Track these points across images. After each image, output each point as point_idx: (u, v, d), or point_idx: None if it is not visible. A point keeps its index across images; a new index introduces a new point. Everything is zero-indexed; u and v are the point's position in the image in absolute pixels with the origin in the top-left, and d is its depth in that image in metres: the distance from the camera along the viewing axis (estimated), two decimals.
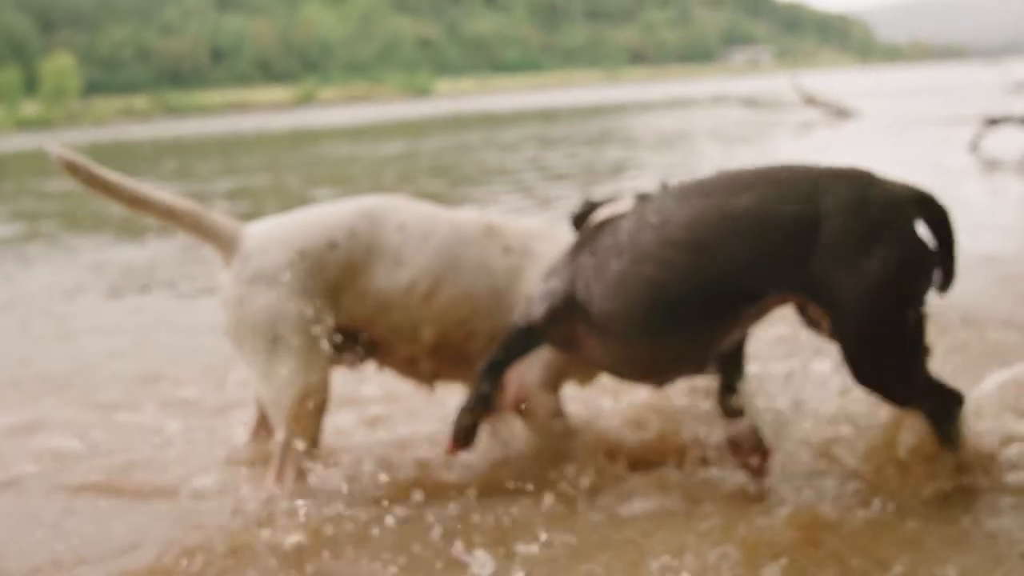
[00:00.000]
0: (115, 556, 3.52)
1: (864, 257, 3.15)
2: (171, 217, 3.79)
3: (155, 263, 10.37)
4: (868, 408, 3.89)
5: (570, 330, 3.57)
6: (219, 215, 3.91)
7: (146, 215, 3.84)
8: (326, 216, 3.92)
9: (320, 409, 3.83)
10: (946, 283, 3.31)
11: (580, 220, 3.91)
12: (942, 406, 3.35)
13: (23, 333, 7.52)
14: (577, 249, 3.62)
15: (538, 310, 3.60)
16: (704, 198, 3.33)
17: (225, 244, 3.85)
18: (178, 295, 8.72)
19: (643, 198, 3.69)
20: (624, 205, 3.76)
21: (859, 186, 3.27)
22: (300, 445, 3.79)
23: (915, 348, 3.28)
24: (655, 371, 3.62)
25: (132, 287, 9.21)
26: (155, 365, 6.10)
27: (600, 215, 3.79)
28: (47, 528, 3.79)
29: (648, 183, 4.08)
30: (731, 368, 3.64)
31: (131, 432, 4.84)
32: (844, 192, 3.24)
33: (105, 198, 3.77)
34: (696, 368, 3.58)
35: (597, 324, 3.46)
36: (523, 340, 3.64)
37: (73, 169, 3.69)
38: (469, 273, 3.87)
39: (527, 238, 4.00)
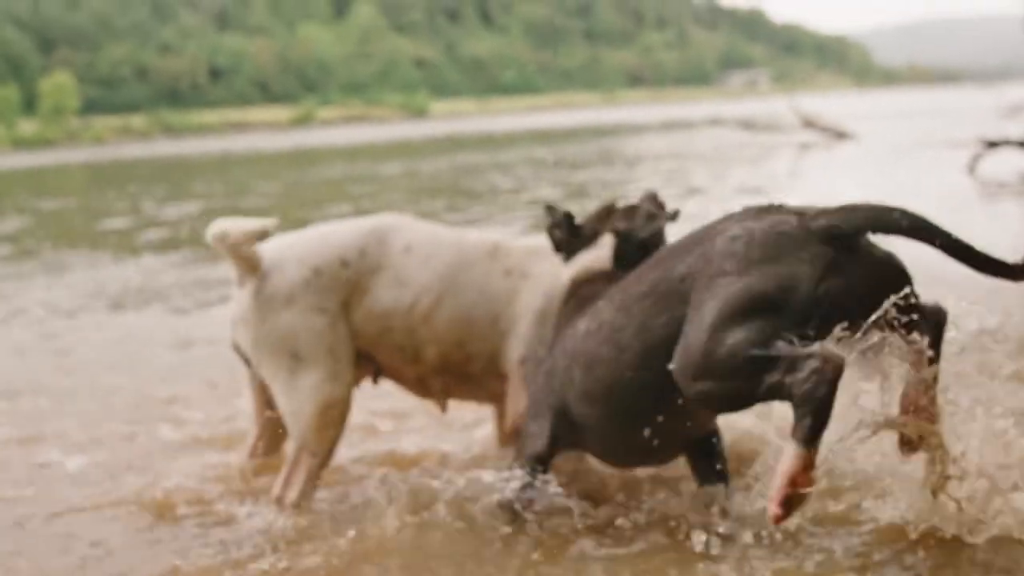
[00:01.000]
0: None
1: (702, 300, 2.97)
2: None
3: (152, 280, 10.39)
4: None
5: (567, 436, 3.62)
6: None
7: None
8: (338, 234, 3.97)
9: (340, 421, 3.89)
10: (994, 271, 2.96)
11: (563, 244, 3.88)
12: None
13: (24, 349, 7.52)
14: (549, 350, 3.66)
15: (539, 446, 3.62)
16: (623, 290, 3.34)
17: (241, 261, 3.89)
18: (176, 310, 8.73)
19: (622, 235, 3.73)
20: (604, 250, 3.75)
21: (724, 227, 3.06)
22: (313, 455, 3.84)
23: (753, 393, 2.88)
24: (642, 457, 3.67)
25: (132, 303, 9.23)
26: (155, 380, 6.11)
27: (581, 260, 3.78)
28: (47, 546, 3.80)
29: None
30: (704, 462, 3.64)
31: (130, 448, 4.85)
32: (717, 238, 3.04)
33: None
34: (681, 446, 3.59)
35: (578, 424, 3.53)
36: (535, 480, 3.62)
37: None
38: (469, 296, 3.90)
39: (527, 259, 4.00)
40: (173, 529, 3.85)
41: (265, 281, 3.85)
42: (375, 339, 3.91)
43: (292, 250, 3.92)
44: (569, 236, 3.87)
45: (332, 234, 3.98)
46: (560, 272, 3.83)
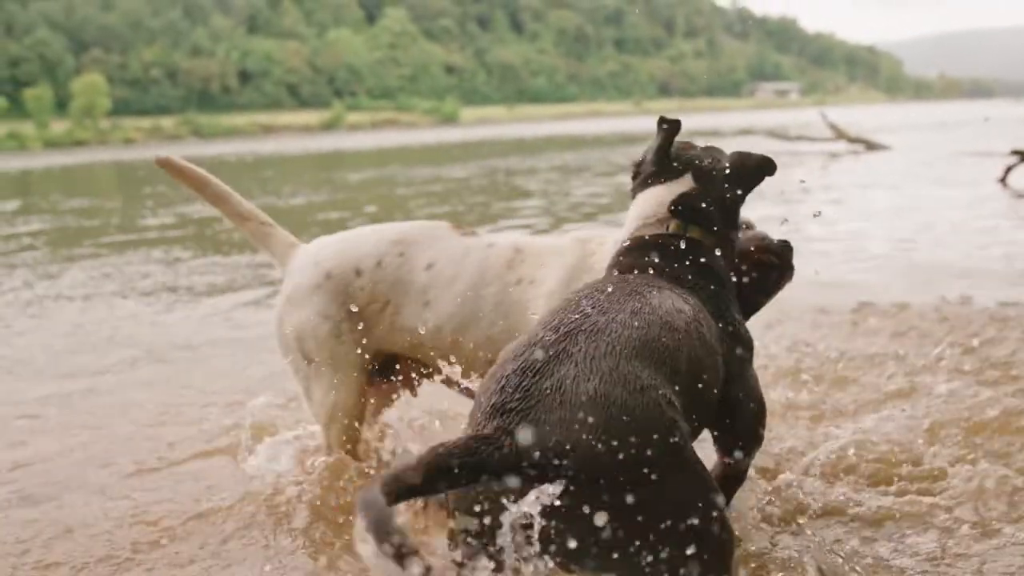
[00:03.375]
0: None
1: None
2: (240, 220, 4.06)
3: (183, 273, 10.45)
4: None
5: None
6: (281, 229, 4.04)
7: (222, 213, 4.13)
8: (359, 241, 3.92)
9: (350, 425, 3.89)
10: None
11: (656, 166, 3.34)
12: None
13: (64, 338, 7.57)
14: None
15: None
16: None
17: (280, 258, 4.01)
18: (213, 302, 8.76)
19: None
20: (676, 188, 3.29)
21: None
22: (329, 451, 3.93)
23: None
24: None
25: (164, 297, 9.27)
26: (219, 375, 6.16)
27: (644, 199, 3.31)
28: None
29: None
30: None
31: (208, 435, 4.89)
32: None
33: (193, 192, 4.14)
34: None
35: None
36: None
37: (169, 165, 4.05)
38: (489, 316, 3.75)
39: (537, 263, 3.79)
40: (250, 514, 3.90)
41: (290, 280, 3.92)
42: (409, 349, 3.87)
43: (317, 252, 3.92)
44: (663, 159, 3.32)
45: (354, 240, 3.94)
46: (560, 269, 3.70)
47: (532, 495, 2.21)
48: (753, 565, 3.16)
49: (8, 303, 9.37)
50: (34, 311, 8.91)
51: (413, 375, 4.02)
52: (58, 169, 45.16)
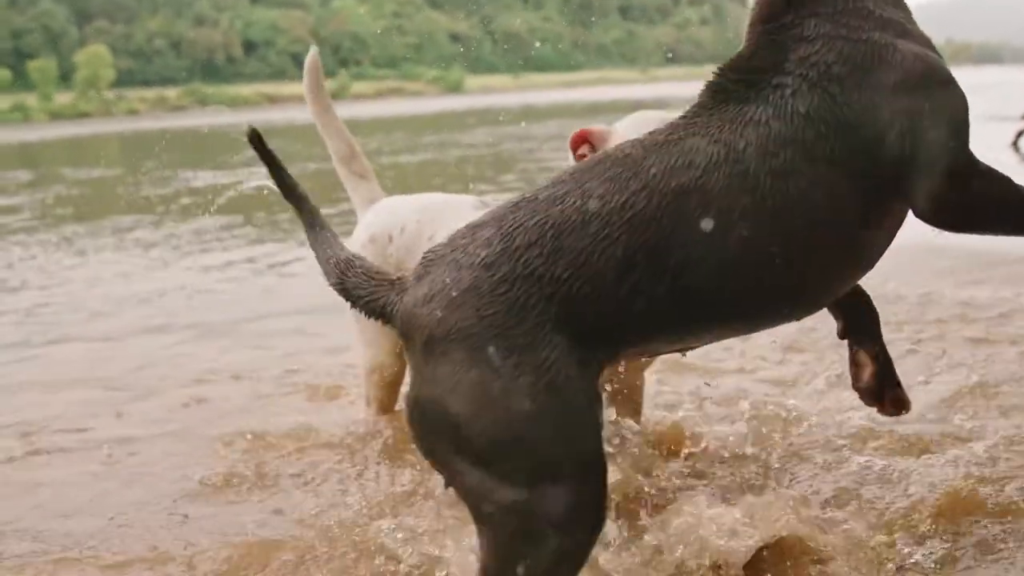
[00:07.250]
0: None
1: None
2: (344, 158, 4.27)
3: (205, 239, 10.56)
4: None
5: None
6: (365, 182, 4.23)
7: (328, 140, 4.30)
8: (399, 207, 4.03)
9: (386, 385, 4.03)
10: None
11: None
12: None
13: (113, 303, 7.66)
14: None
15: None
16: None
17: (358, 210, 4.19)
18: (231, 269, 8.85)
19: None
20: None
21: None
22: (368, 405, 4.09)
23: None
24: None
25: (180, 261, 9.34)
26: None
27: None
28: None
29: None
30: None
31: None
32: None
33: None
34: None
35: None
36: None
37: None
38: None
39: None
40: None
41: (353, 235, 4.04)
42: None
43: (374, 212, 4.06)
44: None
45: (396, 205, 4.05)
46: None
47: None
48: None
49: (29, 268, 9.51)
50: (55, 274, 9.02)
51: None
52: (64, 140, 45.11)
